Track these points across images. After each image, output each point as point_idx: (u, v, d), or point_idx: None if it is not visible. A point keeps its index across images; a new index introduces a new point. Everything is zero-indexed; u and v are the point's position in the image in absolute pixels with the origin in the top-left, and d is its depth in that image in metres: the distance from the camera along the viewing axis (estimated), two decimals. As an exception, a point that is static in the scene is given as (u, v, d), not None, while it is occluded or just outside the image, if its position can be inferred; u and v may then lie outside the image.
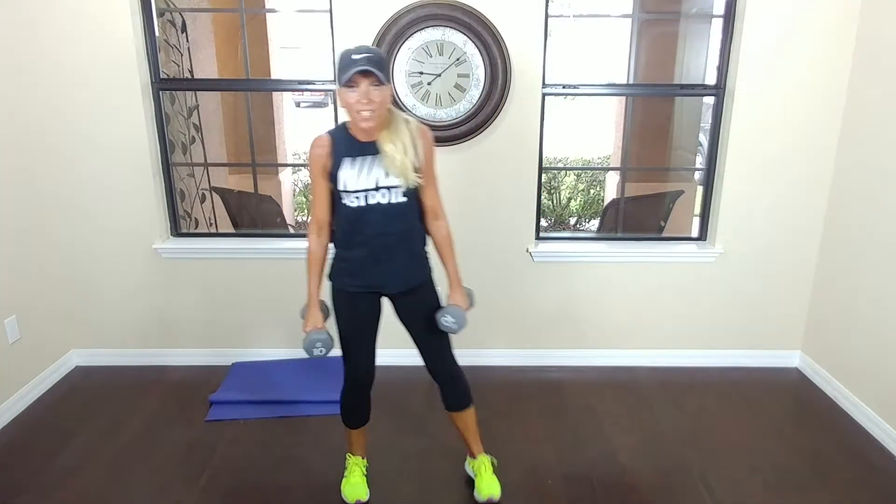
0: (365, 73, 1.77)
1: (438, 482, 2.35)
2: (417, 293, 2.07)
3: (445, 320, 2.01)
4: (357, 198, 1.92)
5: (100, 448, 2.54)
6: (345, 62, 1.78)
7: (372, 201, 1.93)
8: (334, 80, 2.88)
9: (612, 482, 2.34)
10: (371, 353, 2.14)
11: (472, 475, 2.31)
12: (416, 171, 1.93)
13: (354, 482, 2.24)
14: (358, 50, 1.79)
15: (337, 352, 2.09)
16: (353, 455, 2.30)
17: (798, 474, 2.40)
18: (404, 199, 1.95)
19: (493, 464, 2.28)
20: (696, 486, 2.32)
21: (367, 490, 2.26)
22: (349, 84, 1.78)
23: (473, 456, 2.29)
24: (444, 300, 2.10)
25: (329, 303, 2.10)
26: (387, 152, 1.89)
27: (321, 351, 1.99)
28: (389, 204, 1.93)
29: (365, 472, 2.30)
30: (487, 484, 2.20)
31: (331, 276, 2.07)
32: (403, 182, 1.91)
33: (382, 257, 1.99)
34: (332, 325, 2.07)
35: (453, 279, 2.11)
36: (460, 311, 2.03)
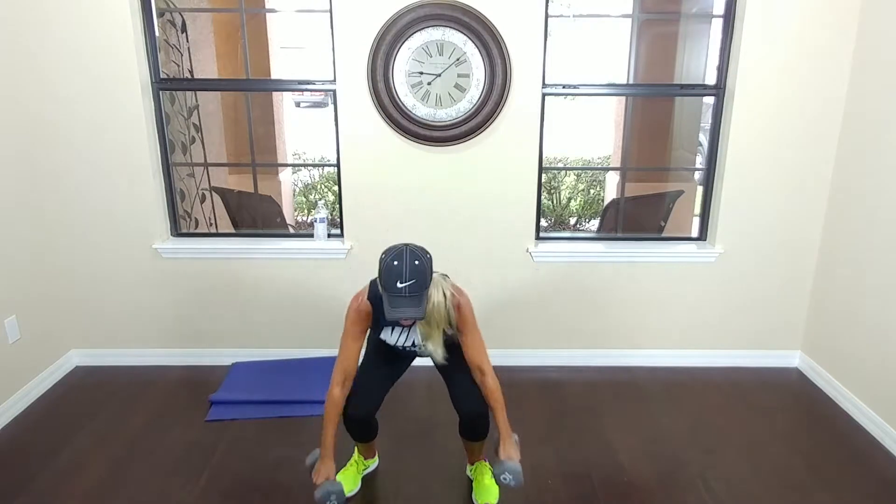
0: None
1: (438, 475, 2.35)
2: (451, 345, 2.08)
3: (504, 477, 2.02)
4: (395, 347, 2.11)
5: (100, 448, 2.54)
6: (388, 282, 1.80)
7: (407, 350, 2.13)
8: (334, 80, 2.88)
9: (612, 482, 2.34)
10: (383, 393, 2.18)
11: (470, 478, 2.34)
12: (451, 336, 2.03)
13: (347, 474, 2.29)
14: (401, 275, 1.78)
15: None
16: (358, 453, 2.35)
17: (798, 474, 2.40)
18: (445, 362, 2.06)
19: (492, 470, 2.25)
20: (696, 486, 2.32)
21: (354, 486, 2.29)
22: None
23: (472, 463, 2.33)
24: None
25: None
26: (421, 332, 2.01)
27: (335, 502, 1.99)
28: (424, 352, 2.08)
29: (361, 471, 2.33)
30: (486, 489, 2.23)
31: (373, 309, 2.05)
32: (437, 356, 2.03)
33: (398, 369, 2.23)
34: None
35: (503, 432, 2.09)
36: (517, 467, 2.03)
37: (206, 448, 2.54)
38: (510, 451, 2.04)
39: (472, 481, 2.32)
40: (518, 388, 3.02)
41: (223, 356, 3.23)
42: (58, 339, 3.13)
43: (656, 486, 2.33)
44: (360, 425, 2.18)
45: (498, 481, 2.03)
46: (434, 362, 2.10)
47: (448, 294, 1.96)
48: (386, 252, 1.85)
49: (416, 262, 1.81)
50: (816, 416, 2.81)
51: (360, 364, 2.13)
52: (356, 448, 2.34)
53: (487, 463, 2.31)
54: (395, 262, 1.80)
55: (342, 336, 2.04)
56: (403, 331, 2.05)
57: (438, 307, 1.92)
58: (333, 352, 3.20)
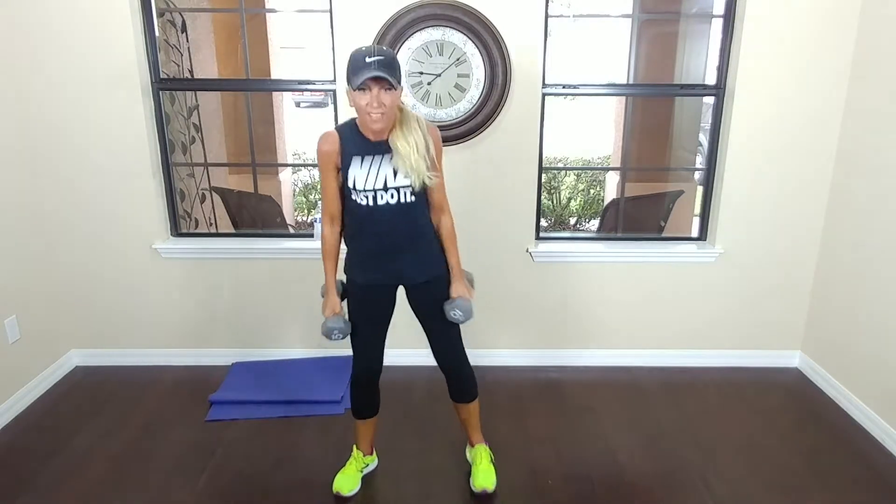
0: (377, 79, 1.77)
1: (438, 474, 2.35)
2: (431, 286, 2.10)
3: (454, 313, 2.07)
4: (366, 196, 1.94)
5: (100, 448, 2.54)
6: (357, 64, 1.78)
7: (381, 202, 1.95)
8: (334, 80, 2.88)
9: (612, 482, 2.34)
10: (379, 344, 2.18)
11: (470, 462, 2.37)
12: (428, 168, 1.94)
13: (347, 473, 2.28)
14: (370, 52, 1.78)
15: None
16: (357, 448, 2.34)
17: (798, 474, 2.40)
18: (413, 198, 1.97)
19: (490, 456, 2.33)
20: (696, 486, 2.32)
21: (354, 486, 2.28)
22: (360, 87, 1.79)
23: (472, 444, 2.36)
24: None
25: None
26: (400, 151, 1.90)
27: (338, 337, 2.09)
28: (399, 204, 1.96)
29: (362, 469, 2.33)
30: (483, 474, 2.25)
31: (345, 269, 2.14)
32: (416, 181, 1.92)
33: (391, 254, 2.03)
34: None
35: (455, 271, 2.12)
36: (467, 302, 2.08)
37: (206, 448, 2.54)
38: (461, 289, 2.10)
39: (470, 467, 2.34)
40: (518, 388, 3.02)
41: (223, 356, 3.23)
42: (58, 339, 3.13)
43: (656, 486, 2.33)
44: (368, 387, 2.21)
45: (448, 318, 2.08)
46: (414, 277, 2.07)
47: (422, 117, 1.98)
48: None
49: (384, 48, 1.83)
50: (816, 416, 2.81)
51: (351, 330, 2.14)
52: (356, 440, 2.34)
53: (486, 446, 2.34)
54: (362, 48, 1.81)
55: (321, 182, 2.05)
56: (373, 162, 1.92)
57: (417, 121, 1.94)
58: (333, 352, 3.22)
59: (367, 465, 2.37)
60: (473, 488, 2.25)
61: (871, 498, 2.27)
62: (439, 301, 2.10)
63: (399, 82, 1.84)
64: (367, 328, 2.15)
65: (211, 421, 2.73)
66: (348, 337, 2.12)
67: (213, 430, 2.67)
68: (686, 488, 2.31)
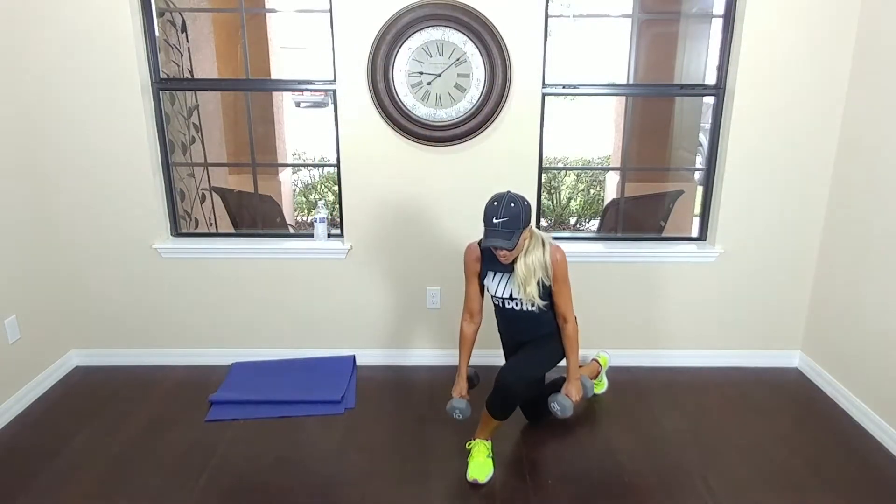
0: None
1: (440, 482, 2.36)
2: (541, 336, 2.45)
3: (553, 406, 2.40)
4: (498, 301, 2.39)
5: (100, 448, 2.54)
6: (487, 218, 2.15)
7: (508, 306, 2.37)
8: (333, 80, 2.88)
9: (612, 482, 2.34)
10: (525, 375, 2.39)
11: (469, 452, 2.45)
12: (546, 287, 2.27)
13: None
14: (496, 212, 2.12)
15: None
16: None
17: (798, 474, 2.40)
18: (534, 308, 2.31)
19: (488, 450, 2.40)
20: (696, 486, 2.32)
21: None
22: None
23: (474, 438, 2.43)
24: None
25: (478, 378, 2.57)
26: (518, 274, 2.23)
27: (458, 416, 2.41)
28: (522, 311, 2.35)
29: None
30: (476, 466, 2.34)
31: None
32: (526, 302, 2.28)
33: (516, 342, 2.47)
34: (475, 396, 2.46)
35: (572, 372, 2.43)
36: (569, 402, 2.38)
37: (206, 448, 2.54)
38: (570, 390, 2.40)
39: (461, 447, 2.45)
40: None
41: (223, 356, 3.23)
42: (58, 339, 3.13)
43: (656, 486, 2.33)
44: (508, 399, 2.33)
45: (550, 408, 2.40)
46: (530, 310, 2.33)
47: (547, 245, 2.26)
48: (492, 196, 2.18)
49: (513, 205, 2.13)
50: (816, 416, 2.81)
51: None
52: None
53: (488, 443, 2.40)
54: (495, 203, 2.15)
55: (465, 283, 2.43)
56: (503, 278, 2.30)
57: (542, 247, 2.24)
58: (333, 352, 3.23)
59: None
60: (467, 477, 2.33)
61: (871, 498, 2.27)
62: (537, 339, 2.42)
63: (522, 230, 2.14)
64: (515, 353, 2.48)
65: (211, 421, 2.73)
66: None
67: (213, 430, 2.67)
68: (686, 488, 2.31)
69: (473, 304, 2.43)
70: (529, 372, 2.36)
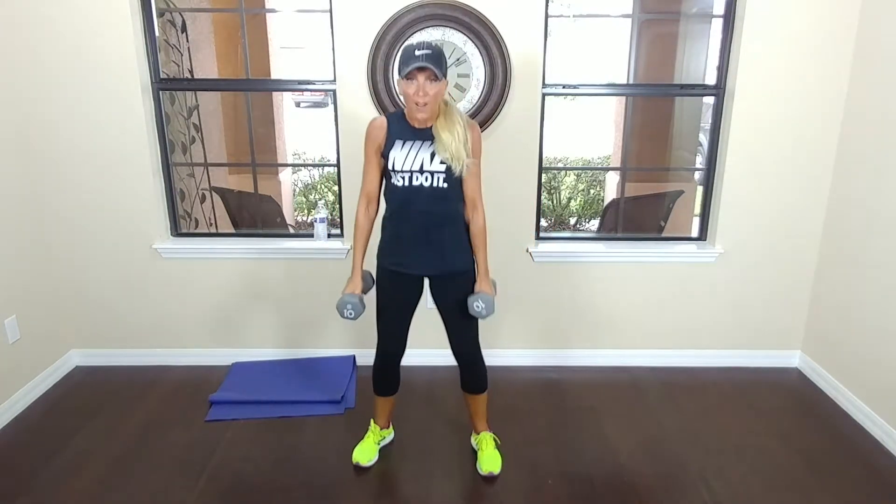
0: (422, 69, 1.93)
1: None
2: (457, 280, 2.22)
3: (477, 305, 2.17)
4: (403, 177, 2.08)
5: (100, 448, 2.54)
6: (406, 56, 1.96)
7: (416, 183, 2.08)
8: (333, 80, 2.88)
9: (612, 482, 2.34)
10: (403, 330, 2.31)
11: (475, 448, 2.49)
12: (467, 156, 2.07)
13: (364, 446, 2.44)
14: (420, 45, 1.95)
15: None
16: (374, 423, 2.49)
17: (798, 474, 2.40)
18: (445, 185, 2.09)
19: (495, 441, 2.44)
20: (696, 486, 2.32)
21: (372, 457, 2.43)
22: (408, 77, 1.95)
23: (477, 432, 2.47)
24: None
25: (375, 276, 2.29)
26: (442, 139, 2.04)
27: (350, 313, 2.18)
28: (432, 187, 2.09)
29: (378, 442, 2.48)
30: (489, 458, 2.37)
31: (378, 255, 2.25)
32: (456, 166, 2.04)
33: (423, 238, 2.15)
34: (371, 297, 2.27)
35: (482, 268, 2.24)
36: (490, 297, 2.17)
37: (206, 448, 2.54)
38: (485, 286, 2.20)
39: (475, 452, 2.45)
40: (518, 388, 3.02)
41: (223, 356, 3.23)
42: (58, 339, 3.13)
43: (656, 486, 2.33)
44: (388, 368, 2.35)
45: (471, 311, 2.17)
46: (444, 267, 2.17)
47: (464, 114, 2.12)
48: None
49: (434, 44, 1.99)
50: (816, 416, 2.81)
51: (377, 312, 2.28)
52: (372, 420, 2.48)
53: (492, 434, 2.44)
54: (413, 41, 1.99)
55: (364, 165, 2.19)
56: (413, 146, 2.08)
57: (460, 116, 2.08)
58: (334, 352, 3.23)
59: (384, 437, 2.52)
60: (480, 472, 2.36)
61: (871, 498, 2.27)
62: (461, 297, 2.20)
63: (444, 75, 1.99)
64: (391, 314, 2.27)
65: (211, 421, 2.73)
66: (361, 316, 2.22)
67: (213, 430, 2.67)
68: (686, 488, 2.31)
69: (373, 186, 2.19)
70: (475, 339, 2.31)
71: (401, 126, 2.10)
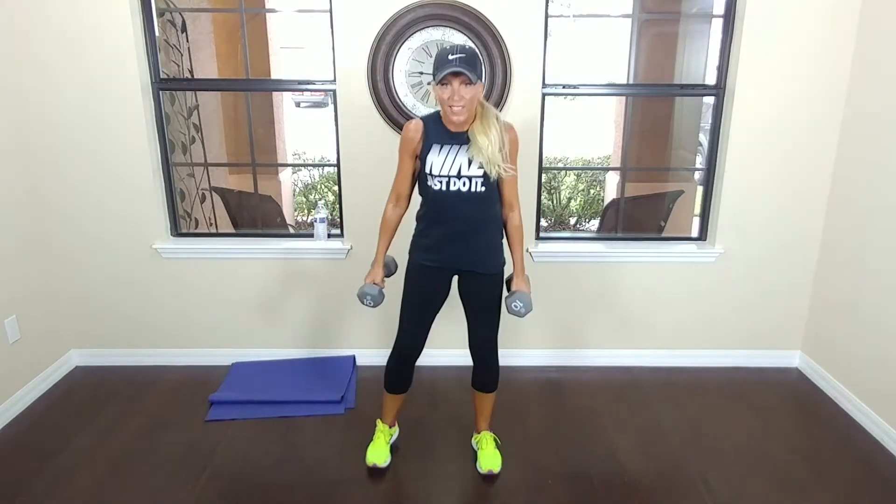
0: (456, 73, 1.91)
1: (440, 483, 2.36)
2: (486, 279, 2.21)
3: (515, 305, 2.19)
4: (440, 181, 2.07)
5: (100, 448, 2.54)
6: (440, 61, 1.94)
7: (453, 188, 2.07)
8: (333, 80, 2.88)
9: (612, 482, 2.34)
10: (425, 328, 2.28)
11: (475, 448, 2.47)
12: (504, 160, 2.06)
13: (377, 447, 2.42)
14: (453, 50, 1.93)
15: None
16: (382, 422, 2.48)
17: (798, 474, 2.40)
18: (483, 189, 2.08)
19: (496, 440, 2.44)
20: (696, 486, 2.32)
21: (387, 457, 2.42)
22: (442, 82, 1.94)
23: (479, 431, 2.48)
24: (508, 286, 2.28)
25: (403, 269, 2.29)
26: (479, 143, 2.02)
27: (369, 303, 2.21)
28: (469, 192, 2.08)
29: (389, 441, 2.46)
30: (489, 458, 2.38)
31: (410, 249, 2.25)
32: (492, 171, 2.03)
33: (459, 238, 2.14)
34: (390, 285, 2.30)
35: (519, 267, 2.25)
36: (528, 296, 2.21)
37: (206, 448, 2.54)
38: (522, 285, 2.23)
39: (475, 452, 2.46)
40: (518, 388, 3.02)
41: (223, 356, 3.23)
42: (58, 339, 3.13)
43: (656, 486, 2.33)
44: (405, 365, 2.32)
45: (509, 310, 2.21)
46: (476, 265, 2.17)
47: (500, 118, 2.09)
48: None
49: (468, 47, 1.97)
50: (816, 416, 2.81)
51: (403, 306, 2.25)
52: (382, 414, 2.47)
53: (492, 434, 2.44)
54: (447, 46, 1.98)
55: (398, 165, 2.17)
56: (451, 150, 2.06)
57: (496, 119, 2.05)
58: (334, 352, 3.23)
59: (392, 435, 2.52)
60: (480, 470, 2.37)
61: (871, 498, 2.27)
62: (488, 296, 2.22)
63: (480, 78, 1.98)
64: (417, 309, 2.25)
65: (211, 421, 2.73)
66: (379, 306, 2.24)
67: (213, 430, 2.67)
68: (686, 488, 2.31)
69: (404, 187, 2.19)
70: (495, 339, 2.29)
71: (437, 130, 2.08)
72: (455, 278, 2.25)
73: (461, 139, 2.05)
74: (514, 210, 2.20)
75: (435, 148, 2.07)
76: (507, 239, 2.24)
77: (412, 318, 2.25)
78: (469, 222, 2.12)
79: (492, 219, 2.17)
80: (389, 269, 2.34)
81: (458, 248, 2.15)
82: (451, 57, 1.91)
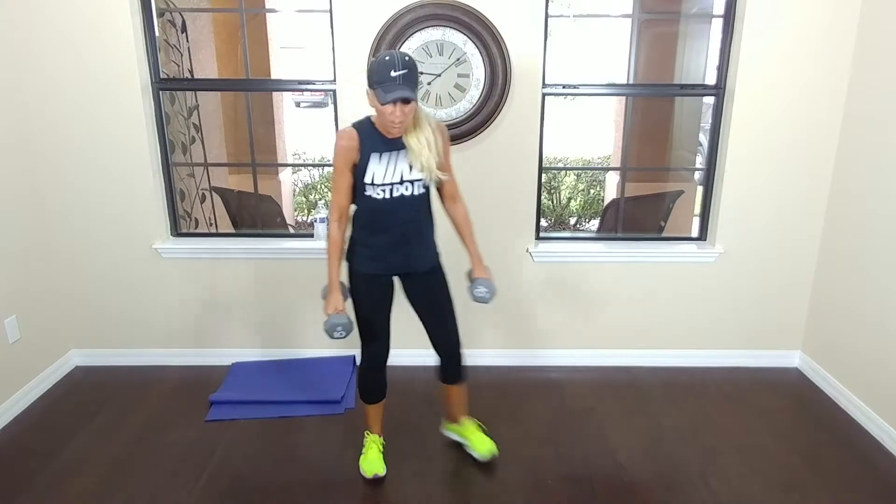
0: (406, 100, 1.88)
1: (440, 484, 2.36)
2: (430, 275, 2.23)
3: (479, 292, 2.22)
4: (383, 190, 2.05)
5: (100, 448, 2.54)
6: (382, 76, 1.86)
7: (396, 194, 2.06)
8: (333, 80, 2.88)
9: (612, 482, 2.34)
10: (387, 331, 2.28)
11: (454, 438, 2.51)
12: (438, 164, 2.07)
13: (372, 458, 2.37)
14: (394, 64, 1.86)
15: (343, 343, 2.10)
16: (370, 433, 2.44)
17: (798, 474, 2.40)
18: (424, 190, 2.11)
19: (480, 426, 2.45)
20: (696, 486, 2.32)
21: (384, 465, 2.38)
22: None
23: (457, 421, 2.47)
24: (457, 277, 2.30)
25: (347, 285, 2.24)
26: (413, 149, 2.02)
27: (341, 334, 2.11)
28: (412, 196, 2.08)
29: (381, 449, 2.43)
30: (483, 441, 2.39)
31: (349, 259, 2.21)
32: (428, 177, 2.06)
33: (403, 243, 2.14)
34: (350, 306, 2.21)
35: (475, 255, 2.28)
36: (490, 281, 2.23)
37: (206, 448, 2.54)
38: (482, 272, 2.26)
39: (459, 444, 2.47)
40: (518, 388, 3.02)
41: (223, 356, 3.23)
42: (58, 339, 3.13)
43: (656, 486, 2.33)
44: (379, 372, 2.31)
45: (473, 297, 2.22)
46: (423, 265, 2.19)
47: (432, 117, 2.11)
48: (379, 55, 1.93)
49: (407, 58, 1.89)
50: (816, 416, 2.81)
51: (360, 320, 2.23)
52: (368, 425, 2.44)
53: (474, 419, 2.45)
54: (387, 58, 1.88)
55: (333, 177, 2.09)
56: (391, 158, 2.03)
57: (427, 120, 2.05)
58: (333, 352, 3.23)
59: (383, 444, 2.48)
60: (480, 457, 2.37)
61: (871, 498, 2.27)
62: (436, 289, 2.24)
63: (416, 90, 1.93)
64: (377, 317, 2.24)
65: (211, 421, 2.73)
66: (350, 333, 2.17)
67: (213, 430, 2.67)
68: (686, 488, 2.31)
69: (347, 200, 2.10)
70: (456, 329, 2.28)
71: (373, 138, 2.02)
72: (396, 279, 2.25)
73: (398, 144, 2.03)
74: (456, 201, 2.23)
75: (374, 157, 2.02)
76: (458, 231, 2.27)
77: (374, 328, 2.24)
78: (412, 225, 2.13)
79: (429, 216, 2.19)
80: (345, 293, 2.22)
81: (403, 252, 2.15)
82: (394, 74, 1.85)
